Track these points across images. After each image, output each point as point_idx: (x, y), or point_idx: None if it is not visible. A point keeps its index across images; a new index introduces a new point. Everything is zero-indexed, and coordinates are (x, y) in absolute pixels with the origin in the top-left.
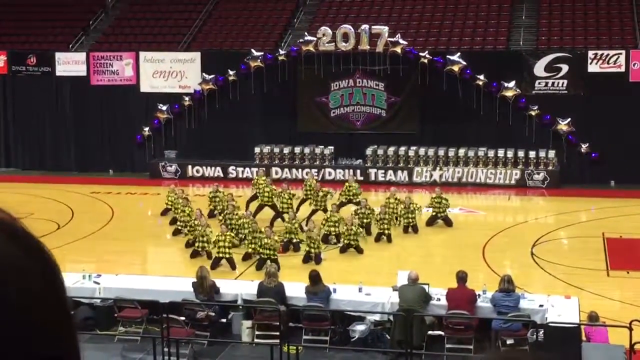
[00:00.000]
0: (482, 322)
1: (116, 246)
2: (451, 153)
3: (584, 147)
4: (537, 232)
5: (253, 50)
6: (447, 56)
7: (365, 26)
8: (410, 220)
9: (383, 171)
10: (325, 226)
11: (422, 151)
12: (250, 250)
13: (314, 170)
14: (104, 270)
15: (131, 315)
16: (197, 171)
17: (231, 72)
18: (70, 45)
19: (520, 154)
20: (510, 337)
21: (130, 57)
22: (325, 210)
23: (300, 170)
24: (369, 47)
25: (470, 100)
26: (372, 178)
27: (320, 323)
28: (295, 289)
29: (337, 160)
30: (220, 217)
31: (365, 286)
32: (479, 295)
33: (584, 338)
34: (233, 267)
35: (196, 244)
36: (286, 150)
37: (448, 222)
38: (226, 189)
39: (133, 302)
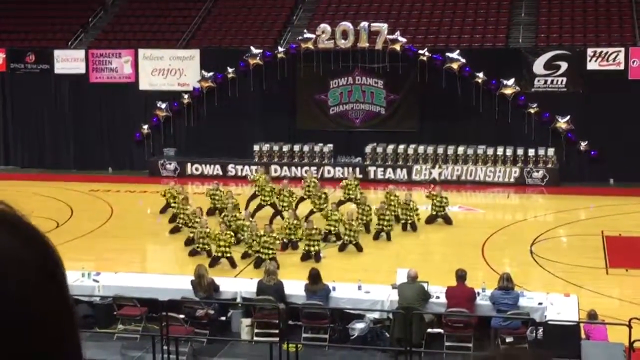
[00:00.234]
0: (482, 320)
1: (115, 244)
2: (450, 151)
3: (583, 144)
4: (536, 230)
5: (252, 48)
6: (446, 54)
7: (364, 23)
8: (409, 217)
9: (382, 169)
10: (325, 225)
11: (421, 149)
12: (250, 251)
13: (313, 169)
14: (103, 268)
15: (130, 313)
16: (196, 169)
17: (230, 70)
18: (69, 43)
19: (520, 151)
20: (510, 335)
21: (129, 55)
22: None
23: (299, 168)
24: (368, 44)
25: (470, 98)
26: (372, 176)
27: (319, 321)
28: (295, 287)
29: (336, 158)
30: (221, 217)
31: (365, 284)
32: (478, 293)
33: (583, 336)
34: (233, 265)
35: (195, 244)
36: (285, 148)
37: (447, 220)
38: (225, 187)
39: (132, 300)
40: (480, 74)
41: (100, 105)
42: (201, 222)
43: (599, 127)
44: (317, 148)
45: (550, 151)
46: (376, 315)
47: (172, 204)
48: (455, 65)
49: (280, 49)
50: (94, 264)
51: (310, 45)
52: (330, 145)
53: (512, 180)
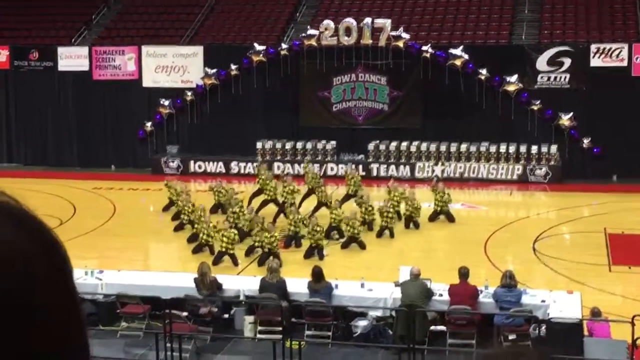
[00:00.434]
0: (485, 317)
1: (118, 242)
2: (453, 148)
3: (586, 141)
4: (539, 227)
5: (255, 45)
6: (450, 50)
7: (367, 20)
8: (412, 213)
9: (385, 166)
10: (329, 220)
11: (424, 146)
12: (257, 244)
13: (316, 166)
14: (106, 266)
15: (134, 311)
16: (200, 166)
17: (233, 67)
18: (73, 40)
19: (522, 148)
20: (513, 333)
21: (133, 52)
22: (328, 206)
23: (302, 165)
24: (371, 41)
25: (473, 95)
26: (374, 173)
27: (322, 319)
28: (298, 284)
29: (339, 155)
30: (227, 215)
31: (368, 282)
32: (481, 290)
33: (586, 333)
34: (235, 263)
35: (200, 239)
36: (288, 146)
37: (450, 218)
38: (228, 184)
39: (135, 297)
40: (484, 71)
41: (104, 103)
42: (205, 220)
43: (602, 123)
44: (320, 145)
45: (553, 148)
46: (379, 312)
47: (174, 200)
48: (458, 62)
49: (284, 45)
50: (97, 261)
51: (313, 42)
52: (333, 143)
53: (515, 177)
